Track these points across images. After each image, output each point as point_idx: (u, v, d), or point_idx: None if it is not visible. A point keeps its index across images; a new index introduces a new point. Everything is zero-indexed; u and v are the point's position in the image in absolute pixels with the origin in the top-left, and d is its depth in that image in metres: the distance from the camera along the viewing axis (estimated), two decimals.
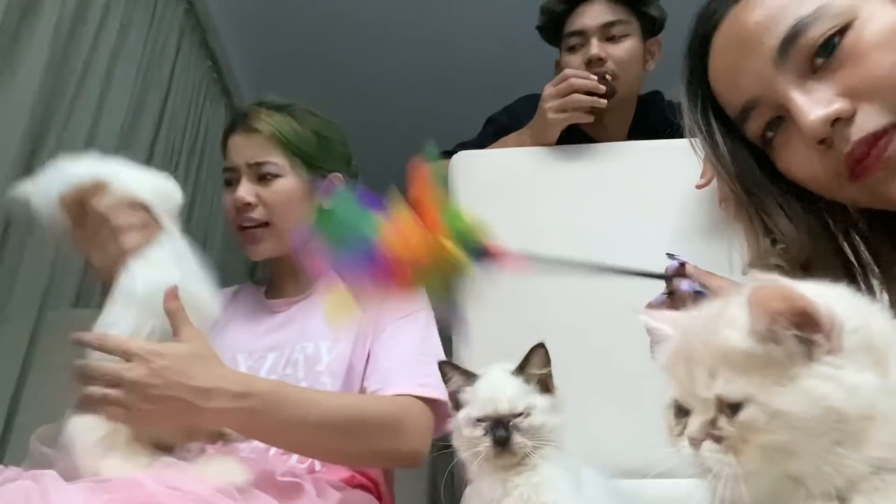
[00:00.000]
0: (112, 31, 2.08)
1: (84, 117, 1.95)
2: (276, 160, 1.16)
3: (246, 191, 1.14)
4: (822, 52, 0.57)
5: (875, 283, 0.64)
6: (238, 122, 1.19)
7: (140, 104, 2.29)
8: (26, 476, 0.73)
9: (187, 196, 2.72)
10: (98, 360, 0.82)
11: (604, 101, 1.37)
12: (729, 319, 0.44)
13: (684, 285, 0.66)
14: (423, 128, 3.04)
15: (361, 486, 1.02)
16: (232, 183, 1.17)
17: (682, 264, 0.69)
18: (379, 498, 1.04)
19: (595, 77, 1.36)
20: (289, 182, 1.16)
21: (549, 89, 1.39)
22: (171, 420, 0.84)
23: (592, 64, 1.52)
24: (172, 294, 0.86)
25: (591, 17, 1.54)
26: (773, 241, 0.64)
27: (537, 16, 1.67)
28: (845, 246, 0.65)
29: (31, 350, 1.70)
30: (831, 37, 0.56)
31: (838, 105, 0.56)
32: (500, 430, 0.73)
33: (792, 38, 0.58)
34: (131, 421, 0.82)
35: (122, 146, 2.17)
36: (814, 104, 0.57)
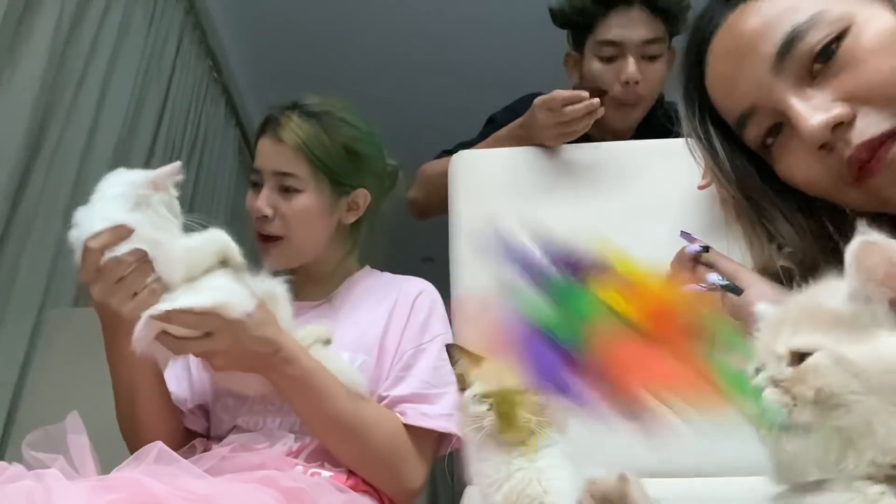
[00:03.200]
0: (112, 31, 2.09)
1: (84, 117, 1.95)
2: (300, 173, 1.13)
3: (265, 201, 1.13)
4: (819, 58, 0.57)
5: None
6: (268, 125, 1.17)
7: (140, 104, 2.29)
8: (29, 475, 0.73)
9: (187, 196, 2.74)
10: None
11: (601, 112, 1.31)
12: (830, 283, 0.44)
13: (713, 277, 0.64)
14: (424, 126, 3.05)
15: (366, 493, 1.01)
16: (257, 185, 1.16)
17: (706, 248, 0.67)
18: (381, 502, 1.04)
19: (584, 94, 1.29)
20: (309, 198, 1.14)
21: (544, 115, 1.31)
22: (247, 369, 0.98)
23: (628, 85, 1.48)
24: None
25: (632, 29, 1.48)
26: (780, 246, 0.64)
27: (540, 16, 1.65)
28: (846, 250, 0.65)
29: (31, 348, 1.70)
30: (829, 43, 0.56)
31: (838, 110, 0.56)
32: (506, 403, 0.73)
33: (789, 44, 0.58)
34: (214, 370, 1.00)
35: (122, 146, 2.17)
36: (813, 110, 0.57)
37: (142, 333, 0.88)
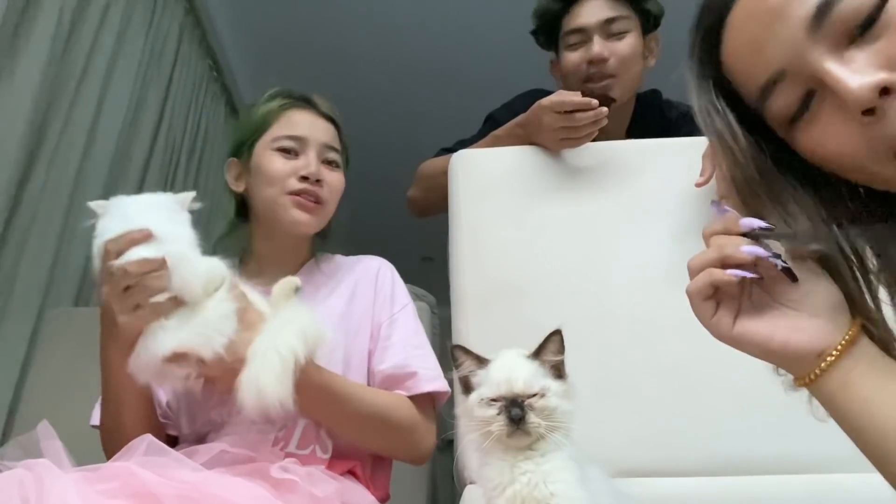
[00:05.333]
0: (112, 31, 2.09)
1: (84, 117, 1.95)
2: (339, 149, 1.22)
3: (318, 169, 1.16)
4: (863, 21, 0.54)
5: (875, 279, 0.62)
6: (299, 101, 1.21)
7: (140, 104, 2.30)
8: (20, 464, 0.73)
9: None
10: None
11: (605, 122, 1.30)
12: None
13: (776, 258, 0.59)
14: (425, 126, 3.05)
15: (350, 472, 1.03)
16: (291, 152, 1.16)
17: (771, 229, 0.60)
18: (366, 485, 1.05)
19: (595, 101, 1.28)
20: (342, 175, 1.21)
21: (551, 118, 1.30)
22: None
23: (595, 63, 1.50)
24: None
25: (591, 13, 1.52)
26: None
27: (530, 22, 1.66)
28: (843, 241, 0.62)
29: (31, 348, 1.71)
30: (878, 6, 0.53)
31: (885, 74, 0.52)
32: (515, 408, 0.74)
33: (828, 4, 0.54)
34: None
35: (123, 146, 2.17)
36: (854, 73, 0.53)
37: (142, 361, 0.88)
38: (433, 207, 1.62)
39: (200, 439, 1.05)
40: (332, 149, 1.19)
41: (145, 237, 0.89)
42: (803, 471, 1.09)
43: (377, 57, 3.17)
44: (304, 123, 1.18)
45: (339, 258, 1.28)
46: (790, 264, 0.59)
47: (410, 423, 1.08)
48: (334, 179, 1.18)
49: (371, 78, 3.27)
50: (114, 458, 0.82)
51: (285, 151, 1.16)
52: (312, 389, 0.96)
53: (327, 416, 1.02)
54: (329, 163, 1.18)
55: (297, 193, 1.14)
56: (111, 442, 1.00)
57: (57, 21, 1.77)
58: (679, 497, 1.10)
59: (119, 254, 0.87)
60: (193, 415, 1.08)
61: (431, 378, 1.11)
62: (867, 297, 0.61)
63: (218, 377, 0.93)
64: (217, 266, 0.95)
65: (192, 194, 1.01)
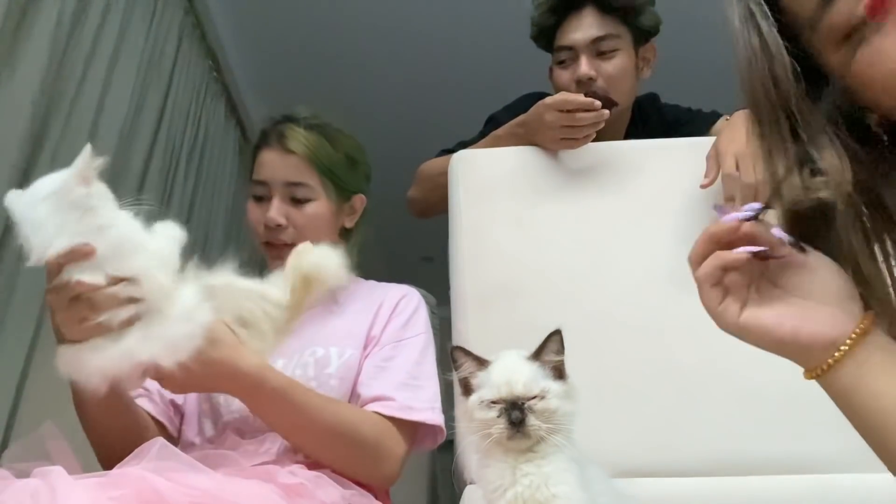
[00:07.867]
0: (112, 31, 2.09)
1: (84, 117, 1.95)
2: (311, 182, 1.19)
3: (278, 212, 1.17)
4: None
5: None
6: (272, 138, 1.20)
7: (140, 104, 2.29)
8: (35, 472, 0.73)
9: (187, 196, 2.73)
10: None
11: (603, 125, 1.32)
12: None
13: (778, 231, 0.56)
14: (425, 126, 3.05)
15: (359, 484, 1.02)
16: (262, 198, 1.19)
17: (765, 208, 0.57)
18: (375, 495, 1.04)
19: (598, 103, 1.29)
20: (320, 205, 1.19)
21: (553, 116, 1.31)
22: (207, 390, 1.02)
23: (582, 84, 1.50)
24: None
25: (581, 31, 1.51)
26: (812, 172, 0.56)
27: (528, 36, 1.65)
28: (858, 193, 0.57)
29: (32, 348, 1.70)
30: None
31: None
32: (516, 411, 0.74)
33: None
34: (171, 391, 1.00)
35: (122, 146, 2.17)
36: None
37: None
38: (433, 208, 1.62)
39: (211, 444, 1.05)
40: (298, 184, 1.17)
41: (87, 254, 0.82)
42: (803, 471, 1.09)
43: (377, 57, 3.17)
44: (268, 165, 1.19)
45: (371, 282, 1.28)
46: (794, 239, 0.55)
47: (376, 441, 1.02)
48: (301, 216, 1.17)
49: (371, 77, 3.27)
50: (124, 462, 0.81)
51: (257, 198, 1.19)
52: (266, 393, 0.93)
53: (281, 423, 0.97)
54: (296, 199, 1.18)
55: (267, 242, 1.18)
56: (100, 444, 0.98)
57: (57, 21, 1.77)
58: (679, 497, 1.10)
59: (60, 270, 0.82)
60: (203, 422, 1.09)
61: (419, 409, 1.06)
62: (878, 254, 0.56)
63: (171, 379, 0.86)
64: (167, 248, 0.86)
65: (86, 149, 0.89)
